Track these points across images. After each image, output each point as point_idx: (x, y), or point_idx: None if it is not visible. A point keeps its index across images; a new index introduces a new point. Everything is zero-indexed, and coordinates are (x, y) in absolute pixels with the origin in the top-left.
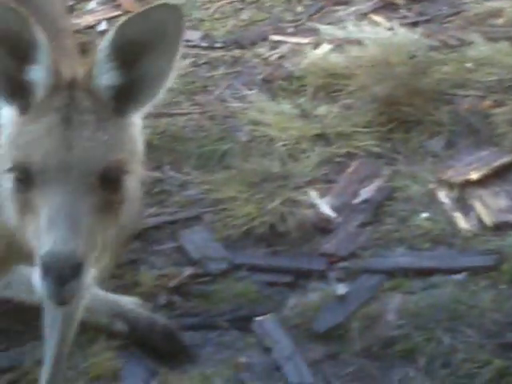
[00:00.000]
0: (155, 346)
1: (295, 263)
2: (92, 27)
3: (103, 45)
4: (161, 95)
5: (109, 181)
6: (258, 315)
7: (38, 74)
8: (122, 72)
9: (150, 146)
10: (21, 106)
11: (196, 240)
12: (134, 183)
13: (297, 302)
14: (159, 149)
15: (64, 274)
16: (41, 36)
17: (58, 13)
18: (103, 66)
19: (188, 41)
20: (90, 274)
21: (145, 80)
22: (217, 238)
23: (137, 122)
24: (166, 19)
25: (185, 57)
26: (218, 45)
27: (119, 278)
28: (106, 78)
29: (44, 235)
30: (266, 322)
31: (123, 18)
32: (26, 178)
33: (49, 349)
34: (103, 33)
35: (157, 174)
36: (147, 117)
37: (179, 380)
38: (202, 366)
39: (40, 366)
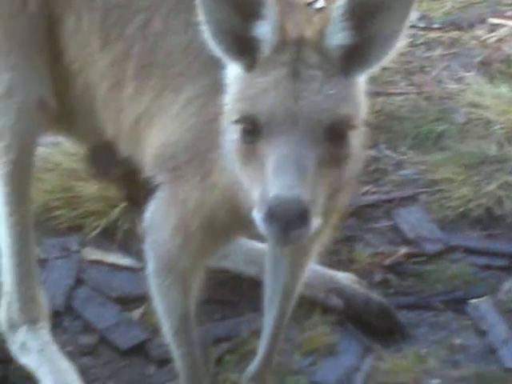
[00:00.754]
0: (370, 322)
1: (511, 247)
2: (310, 4)
3: (339, 4)
4: (389, 57)
5: (335, 134)
6: (473, 298)
7: (264, 31)
8: (353, 32)
9: (366, 125)
10: (247, 62)
11: (411, 220)
12: (357, 141)
13: None
14: (375, 127)
15: (290, 219)
16: None
17: None
18: (336, 25)
19: None
20: (315, 224)
21: (375, 40)
22: (432, 218)
23: (362, 83)
24: None
25: None
26: (436, 26)
27: (335, 254)
28: (338, 37)
29: (271, 181)
30: (480, 305)
31: None
32: (252, 129)
33: (267, 321)
34: (321, 10)
35: (373, 153)
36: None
37: (393, 358)
38: (416, 345)
39: (255, 337)
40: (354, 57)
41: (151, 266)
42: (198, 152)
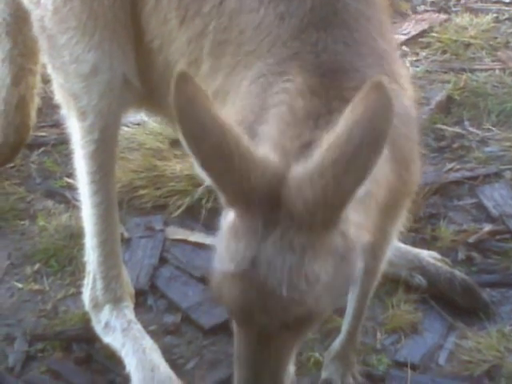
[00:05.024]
0: (454, 300)
1: None
2: None
3: None
4: None
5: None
6: None
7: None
8: None
9: (450, 101)
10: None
11: (495, 197)
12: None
13: None
14: (459, 104)
15: None
16: None
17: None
18: None
19: None
20: None
21: None
22: None
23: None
24: None
25: (487, 12)
26: None
27: (418, 232)
28: None
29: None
30: None
31: None
32: None
33: (351, 299)
34: None
35: (457, 130)
36: (448, 72)
37: (477, 336)
38: (500, 323)
39: (339, 315)
40: None
41: None
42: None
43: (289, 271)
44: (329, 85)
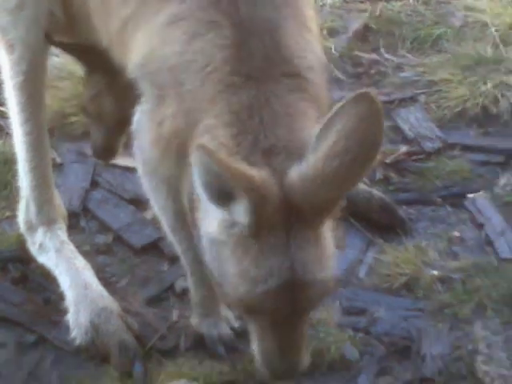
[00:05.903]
0: (372, 218)
1: (507, 144)
2: None
3: None
4: None
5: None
6: (471, 192)
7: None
8: None
9: (367, 30)
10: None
11: (411, 119)
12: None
13: (508, 180)
14: (376, 32)
15: None
16: None
17: None
18: None
19: None
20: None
21: None
22: (431, 117)
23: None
24: None
25: None
26: None
27: None
28: None
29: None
30: (478, 199)
31: None
32: None
33: None
34: None
35: (373, 56)
36: (364, 1)
37: (395, 251)
38: (416, 238)
39: None
40: None
41: (139, 167)
42: (180, 81)
43: (319, 261)
44: (260, 63)
